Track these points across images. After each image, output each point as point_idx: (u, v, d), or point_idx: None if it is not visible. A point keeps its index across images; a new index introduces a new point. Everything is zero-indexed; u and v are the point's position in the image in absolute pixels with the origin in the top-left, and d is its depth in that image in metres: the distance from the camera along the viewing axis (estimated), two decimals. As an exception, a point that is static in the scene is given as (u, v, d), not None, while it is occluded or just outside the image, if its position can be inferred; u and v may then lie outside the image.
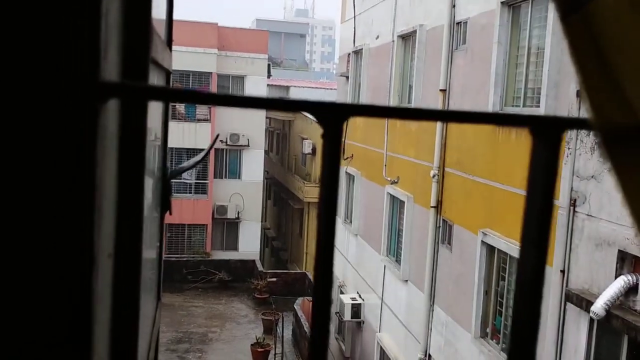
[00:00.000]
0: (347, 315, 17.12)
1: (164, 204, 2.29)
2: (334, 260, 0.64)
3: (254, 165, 31.13)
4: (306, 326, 21.06)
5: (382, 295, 15.66)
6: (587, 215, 7.98)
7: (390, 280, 15.21)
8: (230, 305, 26.05)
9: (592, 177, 7.88)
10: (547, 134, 0.65)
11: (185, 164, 4.76)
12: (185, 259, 28.83)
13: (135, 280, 1.14)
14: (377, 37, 16.77)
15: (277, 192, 36.38)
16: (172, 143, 28.29)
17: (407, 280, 14.14)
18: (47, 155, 0.64)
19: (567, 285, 8.28)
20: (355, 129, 17.48)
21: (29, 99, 0.63)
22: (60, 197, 0.65)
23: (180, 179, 28.24)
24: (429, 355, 12.83)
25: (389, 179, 15.08)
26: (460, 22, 11.97)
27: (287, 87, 41.32)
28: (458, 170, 11.85)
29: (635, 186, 0.56)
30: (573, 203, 8.21)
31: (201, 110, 29.66)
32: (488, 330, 10.74)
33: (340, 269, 19.10)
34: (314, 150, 28.87)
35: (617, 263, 7.42)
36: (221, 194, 30.46)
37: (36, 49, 0.63)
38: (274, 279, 26.96)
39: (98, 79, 0.66)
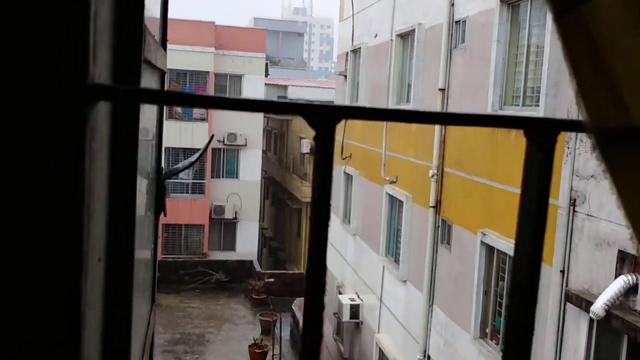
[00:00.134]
0: (346, 316, 17.10)
1: (159, 205, 2.28)
2: (326, 263, 0.63)
3: (251, 165, 31.12)
4: (305, 326, 21.04)
5: (381, 296, 15.66)
6: (587, 215, 7.98)
7: (389, 281, 15.21)
8: (228, 306, 26.03)
9: (591, 176, 7.87)
10: (541, 136, 0.65)
11: (180, 164, 4.78)
12: (182, 259, 28.79)
13: (128, 283, 1.13)
14: (376, 35, 16.77)
15: (275, 192, 36.39)
16: (169, 142, 28.35)
17: (405, 281, 14.14)
18: (34, 157, 0.63)
19: (566, 285, 8.28)
20: (354, 128, 17.48)
21: (16, 100, 0.62)
22: (47, 200, 0.64)
23: (178, 178, 28.23)
24: (428, 356, 12.83)
25: (387, 178, 15.07)
26: (459, 20, 11.97)
27: (285, 86, 41.32)
28: (457, 169, 11.85)
29: (629, 187, 0.55)
30: (573, 203, 8.20)
31: (198, 109, 29.64)
32: (487, 330, 10.74)
33: (338, 269, 19.10)
34: (312, 150, 28.79)
35: (617, 263, 7.42)
36: (218, 193, 30.44)
37: (24, 52, 0.62)
38: (272, 280, 26.92)
39: (87, 81, 0.65)
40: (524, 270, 0.65)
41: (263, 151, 33.42)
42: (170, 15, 2.73)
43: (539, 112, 9.07)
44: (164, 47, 2.31)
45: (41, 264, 0.65)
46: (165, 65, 2.20)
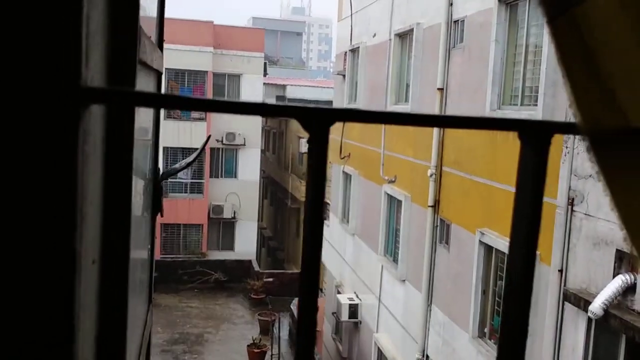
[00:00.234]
0: (345, 316, 17.10)
1: (155, 206, 2.28)
2: (320, 264, 0.63)
3: (250, 165, 31.11)
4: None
5: (380, 295, 15.66)
6: (585, 214, 7.98)
7: (387, 280, 15.21)
8: (227, 306, 26.03)
9: (589, 176, 7.87)
10: (535, 138, 0.65)
11: (177, 165, 4.78)
12: (180, 259, 28.78)
13: (123, 284, 1.13)
14: (374, 35, 16.77)
15: (273, 191, 36.38)
16: (167, 142, 28.30)
17: (404, 280, 14.14)
18: (27, 160, 0.63)
19: (565, 285, 8.28)
20: (353, 127, 17.46)
21: (7, 104, 0.62)
22: (40, 202, 0.64)
23: (176, 178, 28.22)
24: (427, 356, 12.83)
25: (386, 178, 15.07)
26: (458, 20, 11.97)
27: (284, 86, 41.25)
28: (456, 169, 11.85)
29: (623, 189, 0.55)
30: (571, 202, 8.21)
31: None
32: (486, 330, 10.74)
33: (337, 269, 19.09)
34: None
35: (615, 262, 7.42)
36: (217, 193, 30.43)
37: (15, 56, 0.62)
38: (271, 279, 26.92)
39: (79, 84, 0.65)
40: (519, 270, 0.65)
41: (262, 151, 33.41)
42: (167, 14, 2.72)
43: (537, 111, 9.07)
44: (161, 47, 2.31)
45: (34, 265, 0.65)
46: (161, 66, 2.20)
